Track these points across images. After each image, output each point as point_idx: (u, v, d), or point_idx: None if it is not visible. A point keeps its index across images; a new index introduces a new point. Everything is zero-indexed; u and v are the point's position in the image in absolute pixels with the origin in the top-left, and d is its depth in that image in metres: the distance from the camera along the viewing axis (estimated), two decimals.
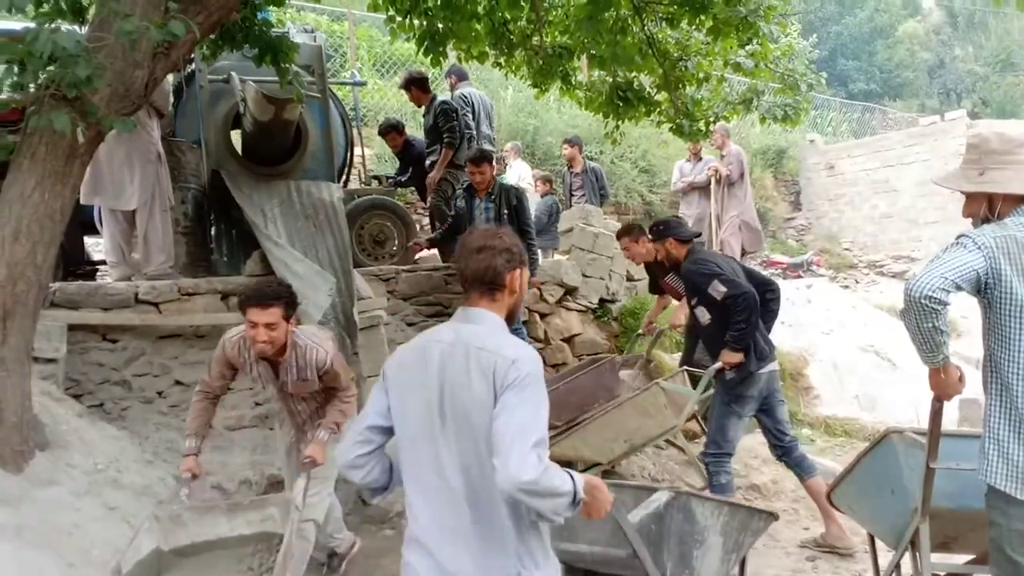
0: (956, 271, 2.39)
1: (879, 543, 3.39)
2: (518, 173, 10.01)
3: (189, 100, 6.40)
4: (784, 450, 4.61)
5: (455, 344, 2.11)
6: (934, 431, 2.77)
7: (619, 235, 5.50)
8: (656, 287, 5.84)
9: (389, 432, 2.22)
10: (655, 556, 2.84)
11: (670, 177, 10.90)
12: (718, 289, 4.29)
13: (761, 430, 4.69)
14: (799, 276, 12.43)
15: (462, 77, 7.75)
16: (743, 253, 9.64)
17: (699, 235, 4.86)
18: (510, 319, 2.24)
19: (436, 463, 2.08)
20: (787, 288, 9.02)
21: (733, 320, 4.29)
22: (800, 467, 4.59)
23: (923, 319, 2.39)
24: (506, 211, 5.80)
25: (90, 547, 3.57)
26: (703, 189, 9.61)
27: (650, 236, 4.88)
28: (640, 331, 6.12)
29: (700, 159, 9.68)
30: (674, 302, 5.84)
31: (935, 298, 2.34)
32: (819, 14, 30.54)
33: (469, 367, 2.05)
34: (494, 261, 2.16)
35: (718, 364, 4.40)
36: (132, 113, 3.76)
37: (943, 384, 2.56)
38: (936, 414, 2.74)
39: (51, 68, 3.19)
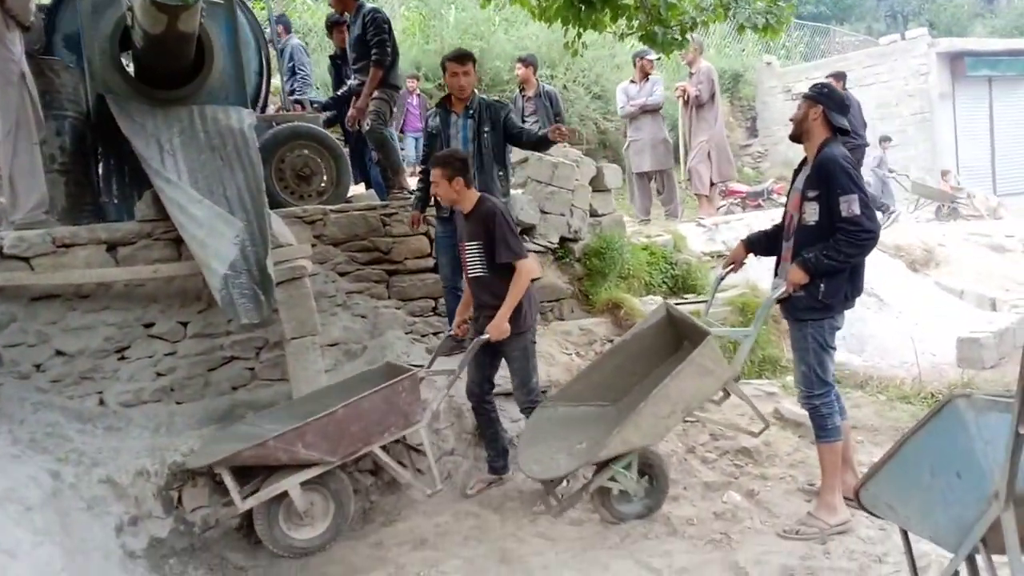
0: None
1: (915, 540, 2.70)
2: None
3: (67, 11, 5.33)
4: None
5: None
6: None
7: (435, 165, 4.24)
8: None
9: None
10: None
11: None
12: (852, 207, 3.52)
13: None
14: (759, 206, 11.66)
15: (288, 28, 8.11)
16: (711, 184, 8.88)
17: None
18: None
19: None
20: (750, 219, 8.34)
21: (837, 247, 3.54)
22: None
23: None
24: (487, 129, 4.81)
25: None
26: (653, 112, 8.73)
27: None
28: (451, 331, 4.59)
29: (647, 79, 8.75)
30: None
31: None
32: None
33: None
34: None
35: (782, 289, 3.72)
36: None
37: None
38: None
39: None
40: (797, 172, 3.96)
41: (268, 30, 7.15)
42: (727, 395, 4.08)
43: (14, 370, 4.24)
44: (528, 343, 4.30)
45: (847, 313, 3.97)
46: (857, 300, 3.95)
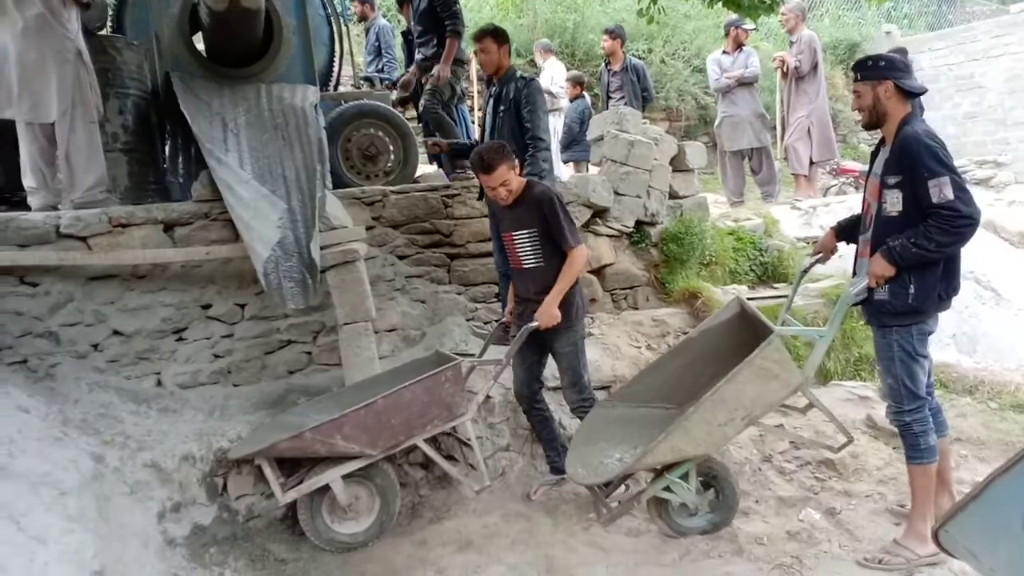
0: None
1: None
2: (550, 76, 8.76)
3: None
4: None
5: None
6: None
7: (494, 163, 3.75)
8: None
9: None
10: None
11: None
12: (943, 191, 3.03)
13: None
14: None
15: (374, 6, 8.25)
16: (811, 163, 8.23)
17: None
18: None
19: None
20: (854, 202, 7.69)
21: (928, 234, 3.05)
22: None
23: None
24: (503, 108, 4.54)
25: None
26: (748, 85, 8.11)
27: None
28: (502, 319, 4.39)
29: (741, 50, 8.13)
30: None
31: None
32: None
33: None
34: None
35: (862, 285, 3.25)
36: None
37: None
38: None
39: None
40: (875, 154, 3.46)
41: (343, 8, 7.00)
42: (811, 405, 3.67)
43: (71, 350, 4.25)
44: (579, 339, 3.97)
45: (959, 306, 3.47)
46: (961, 296, 3.46)
